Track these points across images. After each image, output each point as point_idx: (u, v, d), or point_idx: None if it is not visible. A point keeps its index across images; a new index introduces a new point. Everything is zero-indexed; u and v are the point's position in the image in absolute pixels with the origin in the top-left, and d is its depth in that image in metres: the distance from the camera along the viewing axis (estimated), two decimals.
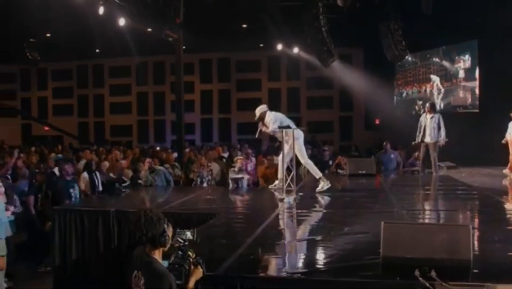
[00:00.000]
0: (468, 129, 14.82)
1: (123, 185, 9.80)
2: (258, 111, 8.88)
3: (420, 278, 3.71)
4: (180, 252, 3.90)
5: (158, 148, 18.53)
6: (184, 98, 21.35)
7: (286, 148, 8.48)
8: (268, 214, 6.80)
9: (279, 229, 6.05)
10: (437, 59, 18.48)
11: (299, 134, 8.77)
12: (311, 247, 5.08)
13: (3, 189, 7.56)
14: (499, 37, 14.90)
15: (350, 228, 5.85)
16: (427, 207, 8.10)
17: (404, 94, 20.58)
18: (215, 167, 12.33)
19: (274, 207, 7.44)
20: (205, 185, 11.21)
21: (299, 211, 7.17)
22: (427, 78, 19.02)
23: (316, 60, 19.67)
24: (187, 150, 16.31)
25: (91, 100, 26.95)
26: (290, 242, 5.28)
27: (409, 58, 18.58)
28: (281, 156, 8.60)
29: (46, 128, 26.95)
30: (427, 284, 3.68)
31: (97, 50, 24.07)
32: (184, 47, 16.90)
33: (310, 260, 4.56)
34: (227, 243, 5.22)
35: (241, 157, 11.73)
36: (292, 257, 4.83)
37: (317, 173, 8.69)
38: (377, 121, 22.70)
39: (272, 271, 4.36)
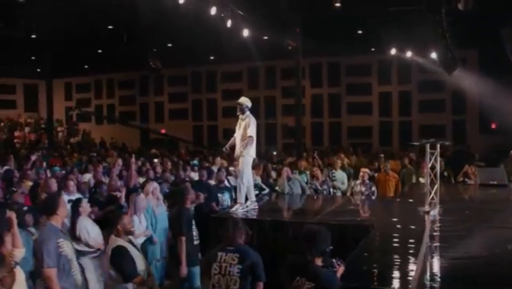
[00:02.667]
0: None
1: (263, 192, 10.34)
2: (245, 101, 8.71)
3: None
4: (330, 267, 4.68)
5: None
6: (293, 102, 22.00)
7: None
8: (421, 227, 7.05)
9: (444, 245, 6.16)
10: None
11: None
12: (488, 264, 5.24)
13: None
14: None
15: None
16: None
17: None
18: (342, 175, 12.49)
19: (421, 219, 7.66)
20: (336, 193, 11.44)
21: (451, 225, 7.29)
22: None
23: (431, 64, 19.59)
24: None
25: (205, 105, 28.14)
26: (467, 258, 5.46)
27: None
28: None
29: (163, 131, 28.52)
30: None
31: (212, 57, 25.22)
32: (290, 48, 17.33)
33: (499, 278, 4.74)
34: (403, 257, 5.51)
35: (366, 170, 11.48)
36: (480, 274, 5.02)
37: (241, 197, 8.46)
38: (493, 125, 22.00)
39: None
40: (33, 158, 13.96)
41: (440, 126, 23.51)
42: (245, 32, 15.02)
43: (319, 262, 4.47)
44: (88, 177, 12.24)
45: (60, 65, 24.09)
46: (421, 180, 13.02)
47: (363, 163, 15.83)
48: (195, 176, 12.17)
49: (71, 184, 8.57)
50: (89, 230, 6.86)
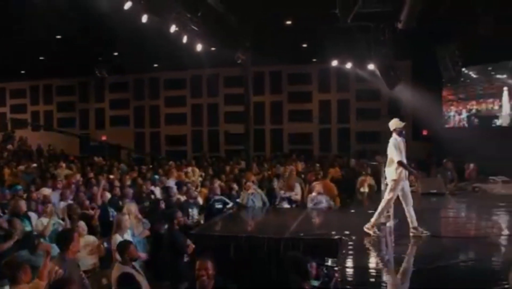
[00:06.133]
0: None
1: (227, 206, 10.76)
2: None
3: None
4: (326, 278, 5.23)
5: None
6: (236, 110, 22.60)
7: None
8: (383, 238, 7.93)
9: (403, 255, 6.97)
10: (501, 76, 19.56)
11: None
12: (445, 275, 6.08)
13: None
14: None
15: (466, 256, 6.89)
16: None
17: (483, 107, 21.13)
18: (297, 186, 12.62)
19: (379, 230, 8.42)
20: (286, 205, 11.84)
21: (407, 235, 8.09)
22: (493, 93, 20.02)
23: (369, 74, 20.80)
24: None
25: (147, 112, 28.14)
26: (422, 268, 6.27)
27: (472, 74, 19.34)
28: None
29: (104, 138, 28.28)
30: None
31: (155, 65, 25.33)
32: (239, 61, 17.88)
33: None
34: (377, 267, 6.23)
35: (319, 182, 11.88)
36: (433, 283, 5.82)
37: (378, 217, 8.32)
38: (424, 132, 23.43)
39: None
40: None
41: (376, 133, 24.76)
42: (199, 47, 15.37)
43: (307, 285, 5.01)
44: (47, 191, 12.19)
45: None
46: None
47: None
48: (155, 190, 12.45)
49: (50, 208, 8.65)
50: None
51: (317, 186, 11.42)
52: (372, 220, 8.26)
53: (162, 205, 9.98)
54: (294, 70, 25.32)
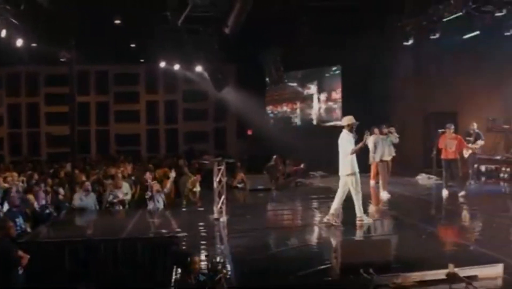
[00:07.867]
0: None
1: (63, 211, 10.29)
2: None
3: (364, 274, 5.61)
4: (210, 273, 5.56)
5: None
6: (60, 110, 21.64)
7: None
8: (217, 233, 8.35)
9: (238, 248, 7.42)
10: (292, 84, 22.39)
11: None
12: (277, 260, 6.74)
13: None
14: (355, 64, 17.94)
15: (293, 242, 7.56)
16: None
17: (281, 110, 23.16)
18: (126, 186, 12.50)
19: (213, 226, 8.87)
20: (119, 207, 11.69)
21: (240, 229, 8.64)
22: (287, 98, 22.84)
23: (197, 76, 21.38)
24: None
25: None
26: (257, 258, 6.80)
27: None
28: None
29: None
30: (368, 277, 5.56)
31: None
32: (63, 60, 17.15)
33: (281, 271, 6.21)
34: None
35: (154, 182, 11.90)
36: (270, 269, 6.37)
37: (359, 210, 8.78)
38: (249, 132, 24.63)
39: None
40: None
41: (204, 133, 25.45)
42: (19, 42, 14.39)
43: (190, 279, 5.24)
44: None
45: None
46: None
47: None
48: None
49: None
50: None
51: (156, 185, 11.51)
52: (358, 213, 8.69)
53: None
54: (121, 70, 24.77)
